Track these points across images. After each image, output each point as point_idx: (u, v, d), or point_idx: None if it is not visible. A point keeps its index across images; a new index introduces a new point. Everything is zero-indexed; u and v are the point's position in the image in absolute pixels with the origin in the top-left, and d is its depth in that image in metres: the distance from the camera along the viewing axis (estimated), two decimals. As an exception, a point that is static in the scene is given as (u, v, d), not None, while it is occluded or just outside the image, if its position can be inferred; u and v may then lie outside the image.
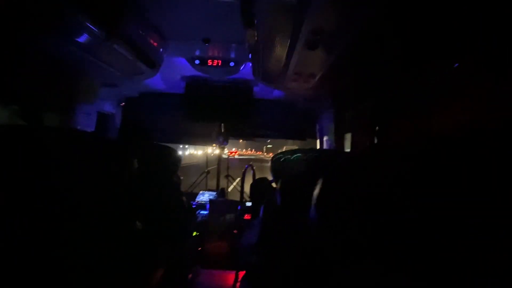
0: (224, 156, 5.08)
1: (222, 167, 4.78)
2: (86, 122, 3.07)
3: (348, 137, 3.14)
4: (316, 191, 0.56)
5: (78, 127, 2.90)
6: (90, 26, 1.80)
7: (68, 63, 2.46)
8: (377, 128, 2.28)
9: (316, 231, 0.57)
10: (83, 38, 1.91)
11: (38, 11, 1.56)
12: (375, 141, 2.23)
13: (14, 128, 1.12)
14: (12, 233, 0.88)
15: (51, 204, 0.91)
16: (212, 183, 4.91)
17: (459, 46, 1.40)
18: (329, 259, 0.59)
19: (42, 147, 0.97)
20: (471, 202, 0.44)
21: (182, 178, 2.60)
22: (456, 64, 1.42)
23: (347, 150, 3.10)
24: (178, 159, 2.03)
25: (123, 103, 4.11)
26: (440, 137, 0.53)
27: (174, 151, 1.99)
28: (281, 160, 1.84)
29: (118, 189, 1.09)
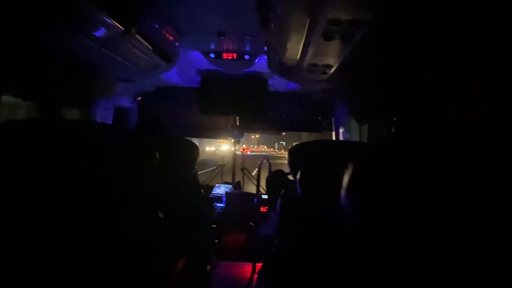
0: (237, 152, 5.11)
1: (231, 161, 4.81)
2: (104, 117, 3.12)
3: (364, 129, 3.11)
4: (346, 179, 0.55)
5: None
6: (108, 20, 1.81)
7: (86, 59, 2.50)
8: (394, 118, 2.26)
9: (347, 219, 0.56)
10: (100, 33, 1.93)
11: (56, 7, 1.58)
12: (393, 131, 2.21)
13: (37, 121, 1.14)
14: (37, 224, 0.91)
15: (74, 195, 0.94)
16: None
17: (478, 37, 1.37)
18: (362, 250, 0.58)
19: (69, 139, 1.00)
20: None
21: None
22: (472, 55, 1.40)
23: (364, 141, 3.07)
24: (196, 152, 2.06)
25: (140, 98, 4.16)
26: (462, 125, 0.52)
27: (193, 144, 2.01)
28: (300, 151, 1.83)
29: (141, 181, 1.11)
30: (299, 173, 1.24)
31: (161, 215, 1.19)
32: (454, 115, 1.51)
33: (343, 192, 0.56)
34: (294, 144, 1.97)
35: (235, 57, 3.24)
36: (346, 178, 0.55)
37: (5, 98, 2.03)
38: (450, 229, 0.45)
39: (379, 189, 0.49)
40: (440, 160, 0.46)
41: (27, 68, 2.01)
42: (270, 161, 4.38)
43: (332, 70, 2.48)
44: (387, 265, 0.52)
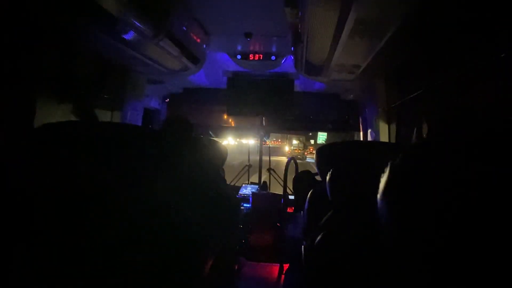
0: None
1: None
2: (134, 118, 3.20)
3: (392, 129, 3.06)
4: (383, 182, 0.52)
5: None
6: (138, 24, 1.85)
7: (118, 62, 2.57)
8: (424, 119, 2.20)
9: (383, 222, 0.53)
10: (131, 36, 1.97)
11: (89, 11, 1.63)
12: (423, 132, 2.15)
13: (71, 124, 1.18)
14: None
15: (102, 195, 0.96)
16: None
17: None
18: (398, 254, 0.55)
19: (101, 140, 1.03)
20: None
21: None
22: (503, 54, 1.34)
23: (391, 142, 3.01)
24: (225, 152, 2.07)
25: (168, 99, 4.24)
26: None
27: (220, 145, 2.02)
28: (328, 152, 1.81)
29: (170, 181, 1.13)
30: (328, 174, 1.22)
31: (190, 214, 1.21)
32: (489, 114, 1.45)
33: (379, 195, 0.53)
34: (321, 145, 1.94)
35: (261, 58, 3.26)
36: (383, 181, 0.53)
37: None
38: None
39: (423, 193, 0.46)
40: (488, 163, 0.42)
41: (61, 71, 2.08)
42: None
43: (360, 69, 2.44)
44: (425, 271, 0.49)
